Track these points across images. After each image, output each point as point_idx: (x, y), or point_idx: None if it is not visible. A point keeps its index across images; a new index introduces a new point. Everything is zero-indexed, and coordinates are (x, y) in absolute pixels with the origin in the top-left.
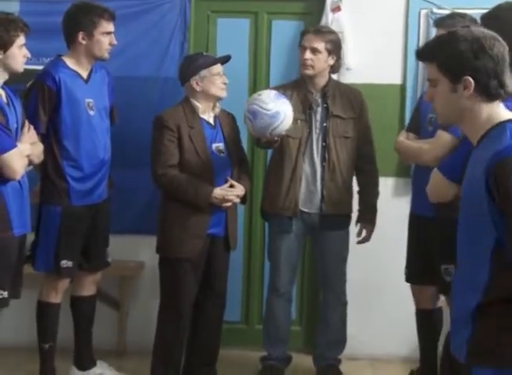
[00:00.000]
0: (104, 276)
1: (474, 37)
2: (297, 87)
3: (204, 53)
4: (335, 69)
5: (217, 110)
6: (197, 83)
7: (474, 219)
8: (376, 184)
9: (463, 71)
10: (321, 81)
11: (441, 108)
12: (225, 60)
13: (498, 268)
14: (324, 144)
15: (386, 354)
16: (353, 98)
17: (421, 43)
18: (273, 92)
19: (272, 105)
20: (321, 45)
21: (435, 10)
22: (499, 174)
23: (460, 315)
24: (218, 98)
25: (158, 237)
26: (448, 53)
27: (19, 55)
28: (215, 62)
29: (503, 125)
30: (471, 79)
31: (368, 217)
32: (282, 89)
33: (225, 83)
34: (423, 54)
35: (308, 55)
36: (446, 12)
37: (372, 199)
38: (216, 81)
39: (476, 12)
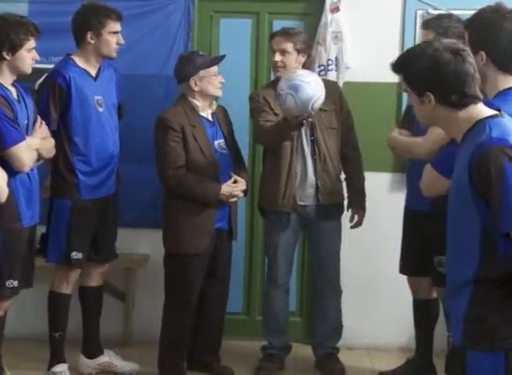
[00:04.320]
0: (110, 268)
1: (434, 55)
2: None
3: (200, 52)
4: (307, 66)
5: (214, 107)
6: (195, 83)
7: (461, 211)
8: (362, 170)
9: (423, 88)
10: None
11: (417, 114)
12: (221, 60)
13: (486, 256)
14: (312, 138)
15: (383, 343)
16: (331, 91)
17: (417, 42)
18: (301, 70)
19: (310, 78)
20: (289, 46)
21: (431, 11)
22: (480, 165)
23: (450, 300)
24: (215, 97)
25: (165, 233)
26: (409, 71)
27: (27, 58)
28: (213, 62)
29: (483, 122)
30: (431, 95)
31: (358, 202)
32: (265, 90)
33: (221, 83)
34: (394, 67)
35: (278, 57)
36: (442, 13)
37: (360, 184)
38: (214, 81)
39: (470, 13)
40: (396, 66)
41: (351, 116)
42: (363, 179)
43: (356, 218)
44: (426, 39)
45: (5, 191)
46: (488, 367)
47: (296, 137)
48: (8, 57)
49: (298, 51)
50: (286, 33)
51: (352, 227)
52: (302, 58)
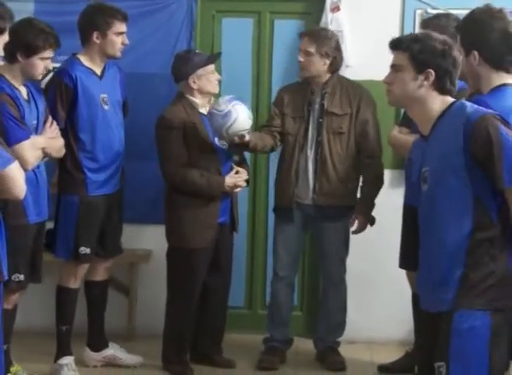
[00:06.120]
0: (114, 263)
1: (444, 41)
2: (301, 86)
3: (197, 50)
4: (334, 68)
5: (212, 103)
6: (193, 82)
7: (452, 185)
8: (374, 179)
9: (428, 64)
10: (322, 80)
11: (398, 91)
12: (218, 58)
13: (479, 221)
14: (319, 139)
15: (383, 337)
16: (352, 94)
17: None
18: (229, 97)
19: (224, 106)
20: (313, 48)
21: (430, 10)
22: (478, 130)
23: (441, 271)
24: (213, 94)
25: (168, 228)
26: (421, 46)
27: (39, 66)
28: (210, 60)
29: (458, 103)
30: (433, 72)
31: (363, 209)
32: (287, 89)
33: (218, 80)
34: (397, 43)
35: (302, 57)
36: (441, 12)
37: (369, 192)
38: (211, 79)
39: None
40: (403, 42)
41: (370, 123)
42: (374, 188)
43: (356, 224)
44: None
45: (25, 189)
46: (474, 326)
47: (302, 135)
48: (21, 60)
49: (321, 55)
50: (312, 35)
51: (353, 232)
52: (327, 61)
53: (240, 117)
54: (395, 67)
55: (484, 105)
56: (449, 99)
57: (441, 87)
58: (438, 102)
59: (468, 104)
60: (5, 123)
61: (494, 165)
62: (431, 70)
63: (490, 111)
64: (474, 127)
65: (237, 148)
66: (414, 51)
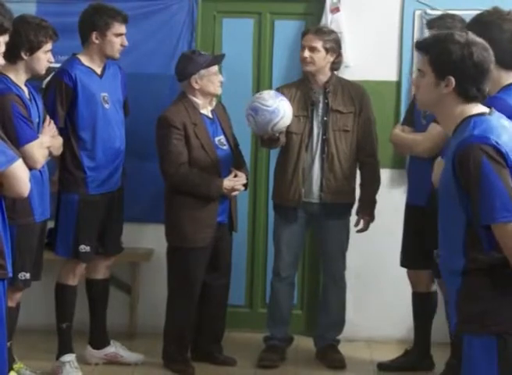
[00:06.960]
0: (115, 261)
1: (467, 43)
2: (301, 85)
3: (202, 52)
4: (336, 66)
5: (213, 104)
6: (196, 82)
7: (448, 204)
8: (375, 177)
9: (447, 71)
10: (323, 78)
11: (422, 96)
12: (222, 59)
13: (471, 248)
14: (324, 137)
15: (383, 335)
16: (354, 93)
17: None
18: (273, 91)
19: (272, 101)
20: (319, 44)
21: (429, 11)
22: (461, 161)
23: (449, 292)
24: (215, 95)
25: (168, 227)
26: (439, 51)
27: (43, 60)
28: (214, 62)
29: (469, 119)
30: (453, 80)
31: (366, 208)
32: (287, 88)
33: (221, 82)
34: (420, 45)
35: (307, 53)
36: (439, 13)
37: (371, 191)
38: (214, 80)
39: (467, 13)
40: (424, 44)
41: (371, 121)
42: (375, 187)
43: (362, 223)
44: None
45: (29, 187)
46: (481, 352)
47: (307, 134)
48: (25, 57)
49: (327, 50)
50: (317, 32)
51: (358, 232)
52: (330, 58)
53: (287, 113)
54: (420, 72)
55: (501, 102)
56: (470, 109)
57: (464, 94)
58: (459, 109)
59: (473, 124)
60: (15, 123)
61: (472, 200)
62: (450, 77)
63: (483, 138)
64: (459, 157)
65: (269, 143)
66: (433, 55)
